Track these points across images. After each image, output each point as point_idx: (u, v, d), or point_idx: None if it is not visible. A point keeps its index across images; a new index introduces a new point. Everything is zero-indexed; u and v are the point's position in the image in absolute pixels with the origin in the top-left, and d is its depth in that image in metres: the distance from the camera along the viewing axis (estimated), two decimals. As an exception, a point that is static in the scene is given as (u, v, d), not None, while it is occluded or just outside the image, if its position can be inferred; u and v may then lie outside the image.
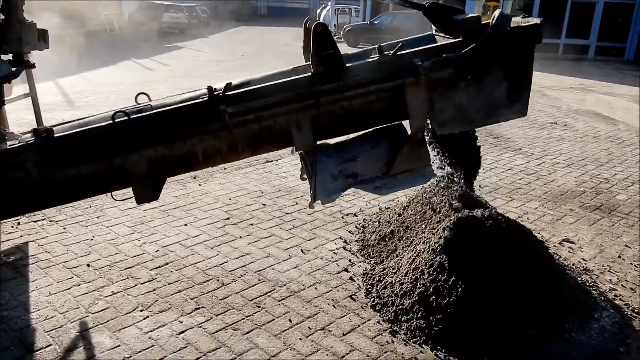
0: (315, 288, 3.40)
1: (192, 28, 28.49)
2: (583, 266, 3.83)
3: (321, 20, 30.71)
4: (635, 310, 3.31)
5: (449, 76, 2.42)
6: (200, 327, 2.96)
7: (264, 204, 4.78)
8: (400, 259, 3.41)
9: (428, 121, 2.58)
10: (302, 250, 3.91)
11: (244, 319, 3.05)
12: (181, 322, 2.99)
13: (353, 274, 3.57)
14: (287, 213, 4.61)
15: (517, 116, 2.61)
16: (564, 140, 7.76)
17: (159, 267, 3.60)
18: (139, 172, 2.39)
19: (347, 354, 2.79)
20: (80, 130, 2.40)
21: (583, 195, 5.39)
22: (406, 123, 2.59)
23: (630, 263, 3.97)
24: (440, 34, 2.87)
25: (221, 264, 3.66)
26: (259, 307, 3.18)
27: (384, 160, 2.58)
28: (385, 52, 2.49)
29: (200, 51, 19.86)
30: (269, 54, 19.08)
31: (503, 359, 2.75)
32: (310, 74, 2.44)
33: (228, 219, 4.43)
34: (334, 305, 3.21)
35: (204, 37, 25.78)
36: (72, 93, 10.24)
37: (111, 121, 2.29)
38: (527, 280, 2.93)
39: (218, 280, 3.45)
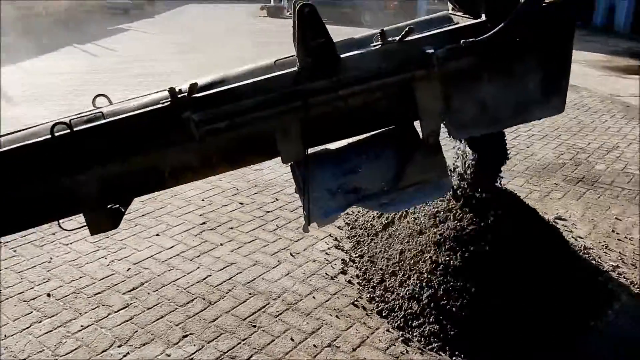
0: (313, 297, 3.08)
1: (136, 8, 27.11)
2: (582, 244, 3.65)
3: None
4: (647, 289, 3.15)
5: (469, 66, 2.02)
6: (192, 358, 2.60)
7: (241, 203, 4.40)
8: (401, 258, 3.12)
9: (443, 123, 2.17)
10: (291, 254, 3.57)
11: (240, 343, 2.71)
12: (169, 356, 2.62)
13: (351, 277, 3.27)
14: (269, 211, 4.24)
15: (553, 113, 2.20)
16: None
17: (134, 289, 3.19)
18: (88, 195, 1.98)
19: (364, 373, 2.50)
20: (15, 147, 1.91)
21: (564, 168, 5.24)
22: (417, 125, 2.17)
23: (625, 237, 3.83)
24: (458, 14, 2.41)
25: (204, 279, 3.28)
26: (254, 326, 2.84)
27: (391, 171, 2.18)
28: (390, 39, 2.03)
29: (148, 33, 18.88)
30: (225, 32, 18.36)
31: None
32: (296, 68, 2.02)
33: (204, 223, 4.04)
34: (337, 316, 2.91)
35: (149, 18, 24.66)
36: (8, 87, 9.27)
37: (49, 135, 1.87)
38: (547, 277, 2.70)
39: (204, 299, 3.07)
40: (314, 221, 2.15)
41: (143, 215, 4.17)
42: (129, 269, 3.41)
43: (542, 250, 2.86)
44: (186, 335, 2.77)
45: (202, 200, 4.47)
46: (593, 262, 3.39)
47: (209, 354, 2.63)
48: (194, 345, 2.69)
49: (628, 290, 3.14)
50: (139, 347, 2.68)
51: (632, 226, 4.01)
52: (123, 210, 2.16)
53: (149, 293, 3.14)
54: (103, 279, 3.30)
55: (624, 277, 3.28)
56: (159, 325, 2.85)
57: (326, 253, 3.58)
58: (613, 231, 3.92)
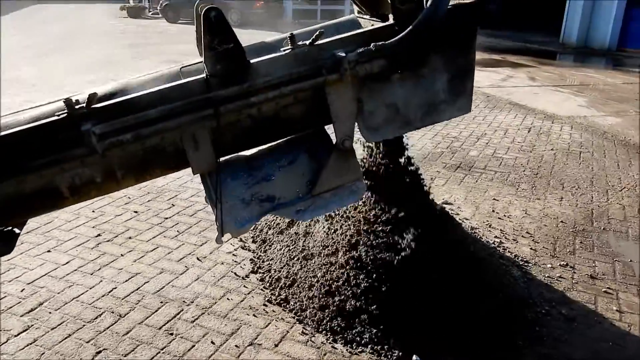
0: (228, 298, 3.10)
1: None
2: (469, 225, 4.07)
3: (134, -7, 28.21)
4: (524, 259, 3.61)
5: (380, 69, 2.00)
6: (111, 374, 2.52)
7: (136, 212, 4.25)
8: (308, 257, 3.25)
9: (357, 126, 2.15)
10: (198, 258, 3.54)
11: (159, 352, 2.66)
12: (84, 374, 2.51)
13: (262, 275, 3.33)
14: (167, 218, 4.15)
15: (461, 113, 2.23)
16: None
17: (32, 310, 2.98)
18: None
19: (289, 366, 2.59)
20: None
21: (443, 156, 5.74)
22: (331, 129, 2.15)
23: (504, 215, 4.32)
24: (365, 17, 2.45)
25: (110, 292, 3.15)
26: (171, 334, 2.80)
27: (306, 177, 2.13)
28: (300, 43, 1.99)
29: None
30: (85, 34, 17.20)
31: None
32: (204, 75, 1.93)
33: (99, 235, 3.85)
34: (254, 315, 2.96)
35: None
36: None
37: None
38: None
39: (113, 312, 2.96)
40: (228, 232, 2.08)
41: (29, 232, 3.87)
42: (22, 289, 3.16)
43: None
44: (100, 351, 2.65)
45: (93, 211, 4.25)
46: (482, 240, 3.81)
47: (128, 368, 2.56)
48: (110, 360, 2.61)
49: (514, 262, 3.57)
50: (48, 371, 2.54)
51: (508, 205, 4.51)
52: (17, 232, 2.02)
53: (50, 312, 2.95)
54: (-7, 303, 3.04)
55: (509, 252, 3.69)
56: (67, 344, 2.70)
57: (233, 254, 3.60)
58: (493, 211, 4.38)
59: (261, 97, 1.95)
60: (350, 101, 2.04)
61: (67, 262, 3.47)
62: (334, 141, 2.10)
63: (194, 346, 2.71)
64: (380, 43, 1.97)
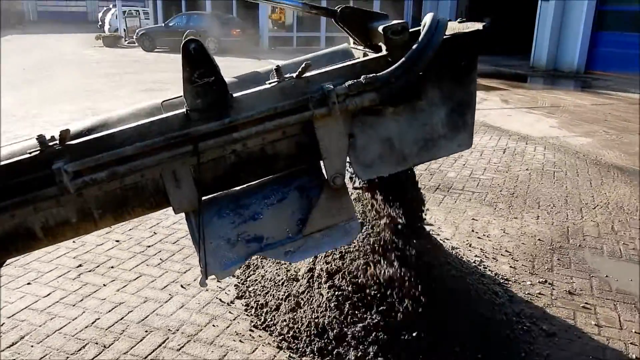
0: (213, 325, 3.10)
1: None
2: (449, 245, 4.14)
3: (107, 25, 28.54)
4: (505, 277, 3.69)
5: (372, 103, 1.90)
6: (96, 406, 2.49)
7: (117, 241, 4.22)
8: (290, 283, 3.27)
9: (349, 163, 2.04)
10: (182, 286, 3.53)
11: (145, 382, 2.64)
12: (69, 407, 2.48)
13: (247, 300, 3.34)
14: (149, 246, 4.13)
15: (461, 149, 2.11)
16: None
17: (13, 344, 2.92)
18: None
19: (277, 392, 2.59)
20: None
21: (421, 178, 5.85)
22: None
23: (483, 235, 4.41)
24: (359, 47, 2.34)
25: (93, 323, 3.12)
26: (157, 363, 2.78)
27: (295, 216, 2.03)
28: (287, 75, 1.92)
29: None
30: (58, 64, 17.11)
31: None
32: (184, 110, 1.87)
33: (80, 265, 3.81)
34: (240, 340, 2.96)
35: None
36: None
37: None
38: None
39: (97, 344, 2.93)
40: (212, 274, 1.99)
41: (7, 264, 3.81)
42: (2, 324, 3.11)
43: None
44: (84, 384, 2.63)
45: (73, 242, 4.20)
46: (463, 258, 3.87)
47: (114, 399, 2.53)
48: (96, 392, 2.58)
49: (495, 280, 3.64)
50: (32, 405, 2.49)
51: (487, 224, 4.61)
52: None
53: (32, 346, 2.90)
54: (-27, 338, 2.98)
55: (489, 270, 3.77)
56: (50, 378, 2.67)
57: (217, 281, 3.61)
58: (473, 231, 4.46)
59: (244, 132, 1.88)
60: (340, 136, 1.94)
61: (48, 294, 3.43)
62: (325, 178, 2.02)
63: (180, 375, 2.70)
64: (371, 75, 1.88)
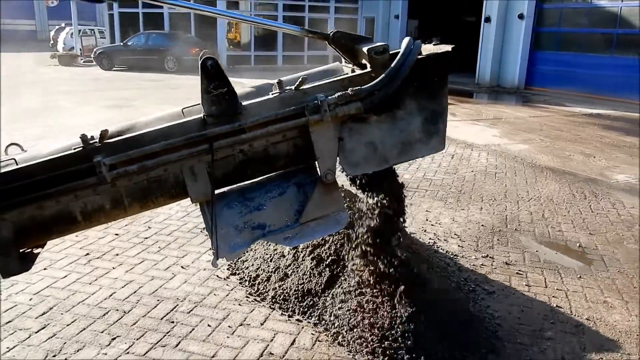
0: (214, 294, 3.68)
1: None
2: (408, 231, 4.84)
3: (61, 44, 28.22)
4: (454, 254, 4.42)
5: (357, 111, 2.22)
6: (129, 352, 3.02)
7: (117, 234, 4.73)
8: (278, 261, 3.90)
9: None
10: (182, 267, 4.10)
11: (165, 335, 3.20)
12: (106, 354, 3.00)
13: (241, 276, 3.93)
14: (146, 237, 4.67)
15: (434, 151, 2.45)
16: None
17: (44, 313, 3.42)
18: (2, 239, 2.06)
19: (275, 335, 3.20)
20: None
21: (381, 180, 6.58)
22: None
23: (436, 223, 5.15)
24: (349, 65, 2.71)
25: (110, 296, 3.65)
26: (172, 322, 3.34)
27: (293, 207, 2.34)
28: (287, 88, 2.26)
29: None
30: (17, 84, 17.12)
31: None
32: (201, 115, 2.20)
33: (88, 254, 4.31)
34: (239, 304, 3.55)
35: None
36: None
37: None
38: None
39: (117, 310, 3.46)
40: (222, 256, 2.30)
41: (20, 254, 4.26)
42: (30, 299, 3.59)
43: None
44: (114, 338, 3.16)
45: (76, 236, 4.68)
46: (419, 240, 4.58)
47: (142, 347, 3.07)
48: (125, 343, 3.11)
49: (446, 255, 4.36)
50: (74, 353, 3.00)
51: (439, 215, 5.37)
52: (37, 252, 2.28)
53: (61, 314, 3.41)
54: (7, 310, 3.45)
55: (441, 249, 4.50)
56: (84, 335, 3.18)
57: (227, 261, 4.18)
58: (427, 220, 5.21)
59: (250, 134, 2.20)
60: (331, 139, 2.26)
61: (65, 276, 3.93)
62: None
63: (193, 329, 3.26)
64: (356, 88, 2.23)
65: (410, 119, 2.34)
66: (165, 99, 13.75)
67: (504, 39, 17.90)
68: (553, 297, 3.77)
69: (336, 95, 2.21)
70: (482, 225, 5.11)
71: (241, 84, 2.51)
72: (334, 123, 2.23)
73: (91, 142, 2.10)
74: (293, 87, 2.26)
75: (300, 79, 2.27)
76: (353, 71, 2.53)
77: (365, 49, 2.35)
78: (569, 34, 16.71)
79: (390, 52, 2.35)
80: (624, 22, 14.95)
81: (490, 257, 4.39)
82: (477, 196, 6.04)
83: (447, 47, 2.36)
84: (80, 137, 2.09)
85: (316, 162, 2.32)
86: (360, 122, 2.29)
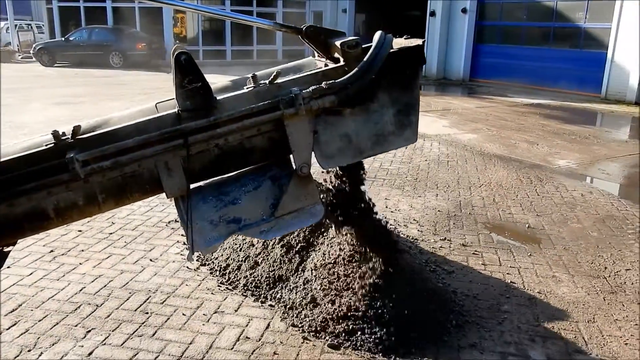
0: (186, 285, 3.74)
1: None
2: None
3: (-3, 39, 26.88)
4: (414, 238, 4.64)
5: (331, 104, 2.24)
6: (105, 344, 3.05)
7: (80, 231, 4.69)
8: (247, 250, 3.99)
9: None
10: (151, 260, 4.12)
11: (141, 326, 3.24)
12: (82, 347, 3.02)
13: (211, 266, 4.00)
14: (111, 233, 4.65)
15: (407, 143, 2.51)
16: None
17: (13, 310, 3.39)
18: None
19: (250, 320, 3.30)
20: None
21: (339, 171, 6.76)
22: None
23: (395, 209, 5.37)
24: (322, 59, 2.69)
25: (81, 290, 3.64)
26: (147, 313, 3.38)
27: (269, 201, 2.34)
28: (261, 82, 2.27)
29: None
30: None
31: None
32: (175, 110, 2.19)
33: (52, 251, 4.27)
34: (212, 293, 3.63)
35: None
36: None
37: None
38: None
39: (89, 304, 3.47)
40: (197, 250, 2.30)
41: (-20, 254, 4.17)
42: (-2, 299, 3.55)
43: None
44: (89, 331, 3.17)
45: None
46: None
47: (118, 338, 3.10)
48: (101, 335, 3.13)
49: (407, 240, 4.56)
50: (50, 347, 3.01)
51: (397, 202, 5.58)
52: (7, 250, 2.27)
53: (32, 310, 3.39)
54: (-26, 309, 3.41)
55: (402, 234, 4.69)
56: (58, 329, 3.18)
57: (181, 255, 4.23)
58: (386, 207, 5.41)
59: (226, 128, 2.18)
60: (306, 132, 2.27)
61: (30, 274, 3.88)
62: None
63: (168, 319, 3.32)
64: (330, 81, 2.25)
65: (384, 111, 2.38)
66: (116, 95, 13.42)
67: (448, 33, 18.46)
68: (507, 274, 4.04)
69: (310, 88, 2.24)
70: (439, 211, 5.35)
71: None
72: (308, 116, 2.25)
73: (63, 138, 2.07)
74: (267, 81, 2.27)
75: (274, 73, 2.29)
76: (326, 65, 2.54)
77: (338, 43, 2.38)
78: (509, 28, 17.42)
79: (363, 46, 2.37)
80: (559, 16, 15.72)
81: (448, 240, 4.62)
82: (432, 184, 6.31)
83: (418, 41, 2.42)
84: (52, 133, 2.07)
85: (291, 156, 2.34)
86: (334, 115, 2.31)
